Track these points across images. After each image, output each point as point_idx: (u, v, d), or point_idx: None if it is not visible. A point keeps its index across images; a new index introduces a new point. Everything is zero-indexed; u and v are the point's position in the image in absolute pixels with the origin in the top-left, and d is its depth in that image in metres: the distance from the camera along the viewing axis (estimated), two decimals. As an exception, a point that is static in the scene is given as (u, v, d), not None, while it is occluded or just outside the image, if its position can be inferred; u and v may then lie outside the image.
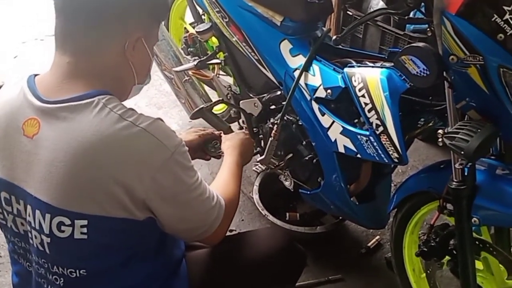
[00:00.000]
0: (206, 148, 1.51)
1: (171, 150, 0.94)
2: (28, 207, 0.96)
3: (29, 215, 0.96)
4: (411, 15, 1.24)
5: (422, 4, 1.10)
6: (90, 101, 0.93)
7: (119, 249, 0.98)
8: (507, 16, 0.94)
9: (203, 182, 1.04)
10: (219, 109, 2.34)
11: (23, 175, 0.96)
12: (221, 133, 1.55)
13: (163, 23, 2.40)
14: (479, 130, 1.04)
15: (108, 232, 0.94)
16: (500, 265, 1.28)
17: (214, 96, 2.19)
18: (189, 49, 2.09)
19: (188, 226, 1.04)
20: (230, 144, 1.42)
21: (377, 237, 1.95)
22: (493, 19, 0.95)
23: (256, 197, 1.99)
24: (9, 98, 1.00)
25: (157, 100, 2.87)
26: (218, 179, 1.24)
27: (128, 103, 1.00)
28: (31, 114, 0.95)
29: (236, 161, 1.33)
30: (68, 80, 0.97)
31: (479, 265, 1.32)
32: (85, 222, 0.92)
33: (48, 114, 0.93)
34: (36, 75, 1.02)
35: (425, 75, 1.07)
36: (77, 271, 0.96)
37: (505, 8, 0.94)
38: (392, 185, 2.03)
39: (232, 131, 1.88)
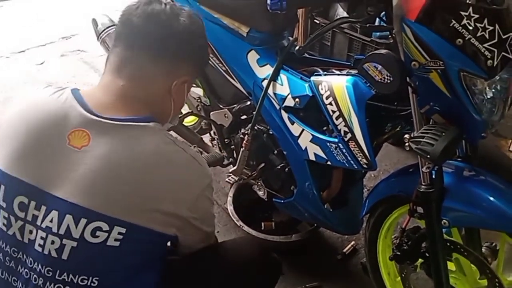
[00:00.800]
0: None
1: (209, 177, 1.10)
2: (53, 212, 0.97)
3: (50, 221, 0.97)
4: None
5: (383, 11, 1.12)
6: (148, 125, 1.03)
7: (138, 259, 1.03)
8: (464, 21, 0.96)
9: None
10: (190, 121, 2.32)
11: (59, 181, 0.97)
12: None
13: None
14: (443, 134, 1.06)
15: (139, 242, 1.00)
16: (472, 265, 1.30)
17: (184, 108, 2.18)
18: (157, 62, 2.08)
19: (204, 238, 1.16)
20: None
21: (353, 242, 1.96)
22: (451, 25, 0.97)
23: (230, 208, 1.98)
24: (51, 105, 1.03)
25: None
26: None
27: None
28: (79, 126, 0.99)
29: None
30: (121, 100, 1.05)
31: (451, 266, 1.34)
32: (123, 230, 0.97)
33: (102, 128, 0.99)
34: (78, 89, 1.07)
35: (388, 81, 1.08)
36: (90, 278, 0.98)
37: (463, 13, 0.96)
38: (365, 189, 2.04)
39: (203, 143, 1.87)
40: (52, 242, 0.97)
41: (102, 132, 0.99)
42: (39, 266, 0.98)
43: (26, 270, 1.00)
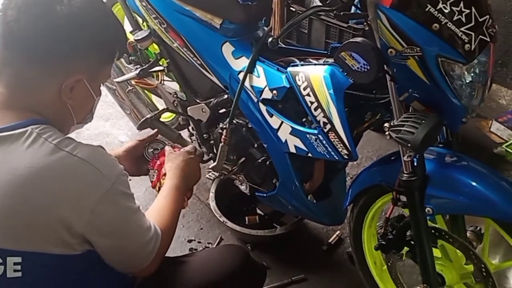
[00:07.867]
0: (145, 151, 1.45)
1: (111, 181, 0.91)
2: None
3: None
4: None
5: (357, -2, 1.09)
6: (23, 131, 0.88)
7: (57, 285, 0.92)
8: (440, 6, 0.94)
9: (141, 212, 1.01)
10: (167, 117, 2.28)
11: None
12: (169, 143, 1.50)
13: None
14: (423, 121, 1.03)
15: (44, 269, 0.89)
16: (458, 251, 1.30)
17: (162, 104, 2.13)
18: (130, 58, 2.01)
19: (124, 258, 1.00)
20: (172, 165, 1.32)
21: (338, 232, 1.95)
22: (427, 9, 0.95)
23: (213, 204, 1.95)
24: None
25: (103, 112, 2.78)
26: (155, 205, 1.17)
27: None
28: None
29: (177, 185, 1.24)
30: (2, 109, 0.91)
31: (437, 253, 1.33)
32: (18, 259, 0.86)
33: None
34: None
35: (365, 70, 1.05)
36: None
37: (438, -3, 0.94)
38: (348, 178, 2.04)
39: (182, 139, 1.83)
40: None
41: None
42: None
43: None
